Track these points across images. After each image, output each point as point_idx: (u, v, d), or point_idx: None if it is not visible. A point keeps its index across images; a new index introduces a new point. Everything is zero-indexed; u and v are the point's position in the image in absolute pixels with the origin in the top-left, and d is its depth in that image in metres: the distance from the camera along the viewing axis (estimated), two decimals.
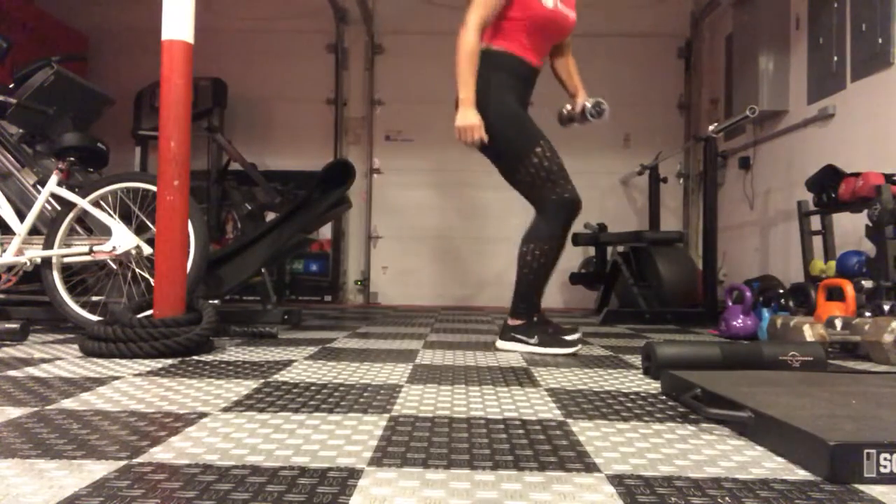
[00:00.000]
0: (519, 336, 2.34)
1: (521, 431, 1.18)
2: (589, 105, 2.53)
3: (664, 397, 1.54)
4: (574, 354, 2.29)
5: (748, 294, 3.07)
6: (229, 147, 4.98)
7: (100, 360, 1.97)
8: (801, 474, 0.95)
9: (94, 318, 2.58)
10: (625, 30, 5.95)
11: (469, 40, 2.22)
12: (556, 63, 2.65)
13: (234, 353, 2.19)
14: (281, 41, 5.97)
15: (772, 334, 2.64)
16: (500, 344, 2.40)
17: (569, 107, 2.63)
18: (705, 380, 1.41)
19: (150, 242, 2.49)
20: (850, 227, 3.36)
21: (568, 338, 2.32)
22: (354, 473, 0.92)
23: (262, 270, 3.45)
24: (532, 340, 2.32)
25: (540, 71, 2.45)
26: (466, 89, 2.22)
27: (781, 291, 3.19)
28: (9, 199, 2.83)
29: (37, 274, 2.73)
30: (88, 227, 2.82)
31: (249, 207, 4.57)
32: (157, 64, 2.15)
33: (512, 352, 2.33)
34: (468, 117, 2.22)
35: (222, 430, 1.15)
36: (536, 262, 2.29)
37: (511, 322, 2.38)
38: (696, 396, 1.33)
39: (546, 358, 2.20)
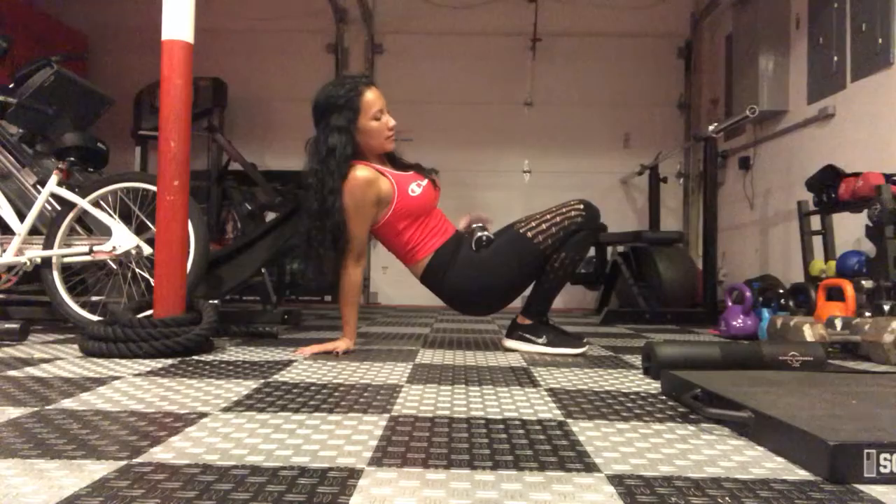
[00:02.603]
0: (527, 335, 2.34)
1: (521, 431, 1.18)
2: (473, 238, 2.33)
3: (664, 397, 1.53)
4: (583, 354, 2.30)
5: (748, 294, 3.07)
6: (229, 147, 4.98)
7: (100, 360, 1.97)
8: (801, 474, 0.95)
9: (94, 317, 2.58)
10: (625, 30, 5.95)
11: (343, 275, 2.25)
12: None
13: (234, 353, 2.19)
14: (281, 41, 5.97)
15: (772, 334, 2.64)
16: (508, 343, 2.40)
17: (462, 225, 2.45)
18: (705, 380, 1.41)
19: (150, 242, 2.49)
20: (850, 227, 3.36)
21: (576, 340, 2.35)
22: (354, 473, 0.92)
23: (262, 270, 3.45)
24: (540, 340, 2.32)
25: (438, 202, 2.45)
26: (343, 322, 2.28)
27: (781, 291, 3.19)
28: (9, 199, 2.83)
29: (37, 274, 2.73)
30: (88, 227, 2.82)
31: (249, 207, 4.57)
32: (157, 64, 2.15)
33: (519, 351, 2.33)
34: (337, 343, 2.24)
35: (222, 430, 1.15)
36: (563, 271, 2.30)
37: (520, 321, 2.38)
38: (696, 396, 1.33)
39: (546, 358, 2.20)
